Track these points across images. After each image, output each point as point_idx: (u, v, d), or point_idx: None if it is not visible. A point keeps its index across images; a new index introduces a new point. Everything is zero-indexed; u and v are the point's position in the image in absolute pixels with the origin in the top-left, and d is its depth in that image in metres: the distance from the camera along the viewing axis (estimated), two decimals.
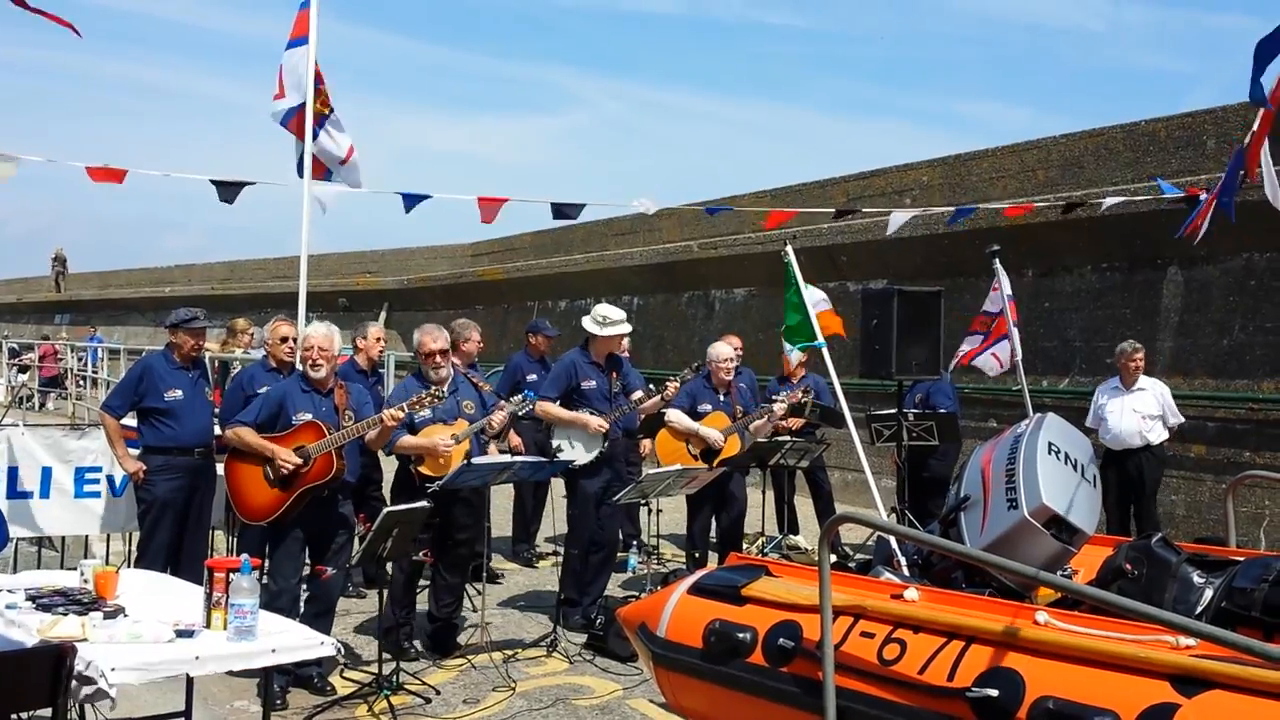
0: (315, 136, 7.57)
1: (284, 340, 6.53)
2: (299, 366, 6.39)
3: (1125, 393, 8.18)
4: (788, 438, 8.33)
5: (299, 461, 5.48)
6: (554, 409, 6.81)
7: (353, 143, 7.74)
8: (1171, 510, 9.38)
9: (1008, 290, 7.28)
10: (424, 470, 6.05)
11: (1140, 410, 8.06)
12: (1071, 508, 4.02)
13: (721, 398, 7.61)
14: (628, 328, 7.20)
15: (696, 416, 7.50)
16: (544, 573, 8.32)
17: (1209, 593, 3.76)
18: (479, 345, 7.95)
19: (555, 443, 6.83)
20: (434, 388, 5.94)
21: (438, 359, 6.20)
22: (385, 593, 5.78)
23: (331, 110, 7.66)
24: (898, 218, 9.48)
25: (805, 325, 5.87)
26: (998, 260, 7.26)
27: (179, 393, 6.28)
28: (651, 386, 7.41)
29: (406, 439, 6.03)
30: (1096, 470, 4.45)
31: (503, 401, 6.63)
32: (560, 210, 8.67)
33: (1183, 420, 8.29)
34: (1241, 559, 3.94)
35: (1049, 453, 4.12)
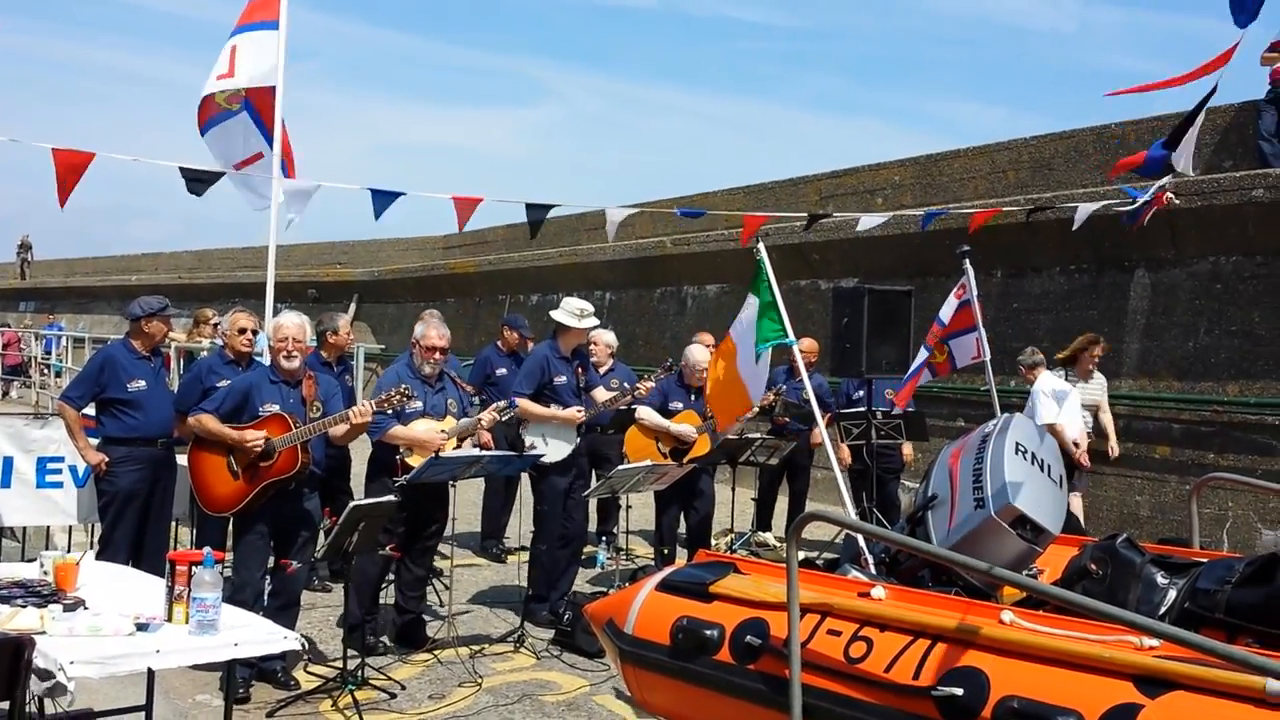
0: (207, 130, 7.45)
1: (242, 332, 6.45)
2: (264, 358, 6.33)
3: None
4: (757, 434, 8.35)
5: (263, 435, 5.42)
6: (532, 406, 6.78)
7: (262, 151, 7.51)
8: (1135, 511, 9.47)
9: (974, 291, 7.29)
10: (412, 462, 6.01)
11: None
12: (1038, 508, 4.04)
13: (693, 397, 7.63)
14: (597, 322, 7.21)
15: (667, 414, 7.51)
16: (512, 568, 8.28)
17: (1172, 594, 3.79)
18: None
19: (528, 439, 6.80)
20: (404, 385, 5.90)
21: (437, 355, 6.20)
22: (350, 587, 5.74)
23: (241, 108, 7.47)
24: (868, 220, 9.52)
25: (777, 322, 5.87)
26: (967, 260, 7.28)
27: (142, 383, 6.20)
28: (640, 382, 7.42)
29: (398, 429, 5.99)
30: (1063, 470, 4.48)
31: (491, 405, 6.60)
32: (535, 221, 8.57)
33: (1052, 423, 8.33)
34: (1205, 560, 3.98)
35: (1016, 453, 4.13)
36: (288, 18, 7.55)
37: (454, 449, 6.15)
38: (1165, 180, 8.36)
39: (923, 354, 7.62)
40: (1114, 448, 8.66)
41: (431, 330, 6.24)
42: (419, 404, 6.02)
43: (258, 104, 7.56)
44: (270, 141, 7.58)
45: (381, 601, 6.38)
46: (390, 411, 5.88)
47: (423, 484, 5.90)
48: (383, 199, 7.81)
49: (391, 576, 6.45)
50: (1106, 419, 8.66)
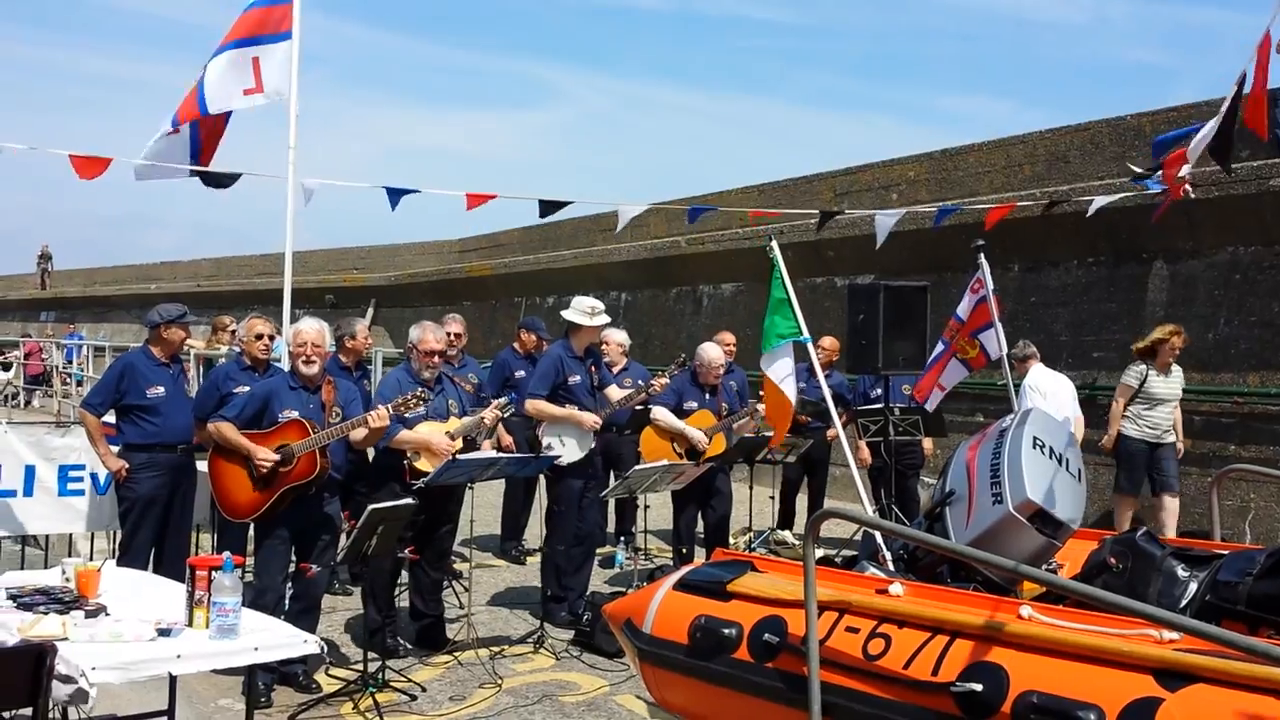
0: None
1: (259, 338, 6.49)
2: (284, 363, 6.36)
3: None
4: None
5: (276, 459, 5.45)
6: (546, 406, 6.77)
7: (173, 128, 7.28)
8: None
9: (990, 285, 7.27)
10: (420, 466, 6.02)
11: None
12: (1056, 502, 4.03)
13: (707, 396, 7.63)
14: (608, 319, 7.21)
15: (682, 414, 7.51)
16: (531, 569, 8.29)
17: (1193, 586, 3.78)
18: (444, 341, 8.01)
19: (545, 440, 6.79)
20: (420, 389, 5.92)
21: (435, 359, 6.20)
22: (369, 591, 5.76)
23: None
24: (884, 224, 9.47)
25: (791, 319, 5.90)
26: (982, 255, 7.26)
27: (161, 389, 6.25)
28: (654, 380, 7.42)
29: (404, 434, 6.00)
30: (1082, 465, 4.46)
31: (494, 402, 6.63)
32: (547, 209, 8.66)
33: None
34: (1226, 552, 3.95)
35: (1033, 447, 4.12)
36: (301, 28, 7.57)
37: (459, 448, 6.15)
38: (1184, 171, 8.28)
39: (939, 347, 7.59)
40: (1180, 447, 8.46)
41: (429, 334, 6.22)
42: (421, 409, 6.02)
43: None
44: (194, 143, 7.49)
45: (398, 605, 6.40)
46: (413, 414, 5.91)
47: (436, 486, 5.92)
48: (396, 194, 7.95)
49: (405, 579, 6.48)
50: (1177, 415, 8.43)
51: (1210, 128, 6.47)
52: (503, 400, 6.63)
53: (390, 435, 5.91)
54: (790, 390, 6.10)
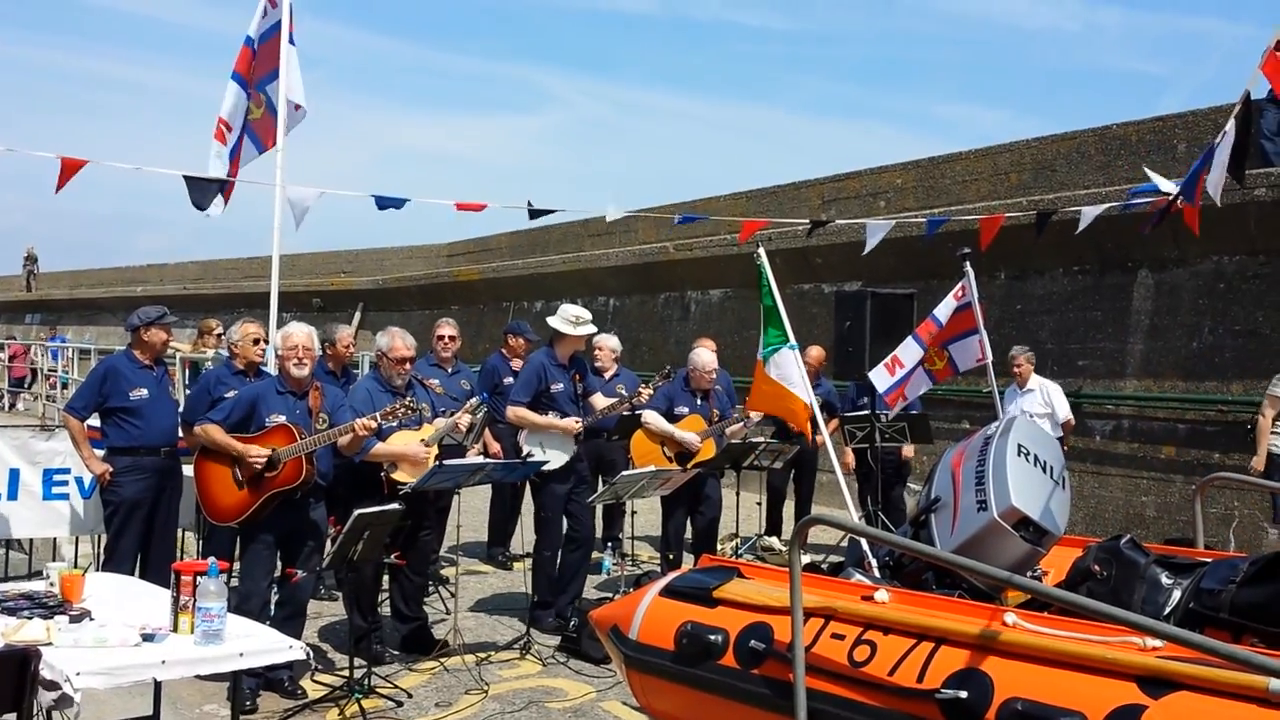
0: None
1: (256, 342, 6.49)
2: (272, 368, 6.34)
3: (1019, 394, 8.76)
4: (761, 439, 8.35)
5: (266, 454, 5.43)
6: (528, 414, 6.78)
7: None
8: (1142, 511, 9.46)
9: (975, 293, 7.28)
10: (398, 477, 6.01)
11: (1029, 410, 8.48)
12: (1040, 509, 4.04)
13: (698, 401, 7.64)
14: (595, 328, 7.20)
15: (673, 419, 7.51)
16: (518, 575, 8.28)
17: (1177, 594, 3.79)
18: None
19: (526, 448, 6.80)
20: (408, 397, 5.91)
21: (406, 366, 6.18)
22: (354, 598, 5.75)
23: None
24: (874, 232, 9.50)
25: (779, 327, 5.92)
26: (968, 263, 7.28)
27: (144, 392, 6.23)
28: (640, 389, 7.42)
29: (380, 447, 5.97)
30: (1066, 472, 4.48)
31: (468, 403, 6.64)
32: (534, 214, 8.71)
33: (1070, 418, 8.81)
34: (1210, 560, 3.97)
35: (1018, 455, 4.13)
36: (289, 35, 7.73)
37: (437, 453, 6.15)
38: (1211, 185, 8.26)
39: (916, 350, 7.56)
40: None
41: (398, 341, 6.19)
42: (413, 415, 6.00)
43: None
44: (258, 147, 7.82)
45: (381, 611, 6.39)
46: (397, 423, 5.89)
47: (421, 492, 5.91)
48: (386, 202, 8.03)
49: (386, 586, 6.46)
50: None
51: (1226, 141, 6.49)
52: (474, 401, 6.63)
53: (366, 449, 5.89)
54: (805, 394, 6.15)
